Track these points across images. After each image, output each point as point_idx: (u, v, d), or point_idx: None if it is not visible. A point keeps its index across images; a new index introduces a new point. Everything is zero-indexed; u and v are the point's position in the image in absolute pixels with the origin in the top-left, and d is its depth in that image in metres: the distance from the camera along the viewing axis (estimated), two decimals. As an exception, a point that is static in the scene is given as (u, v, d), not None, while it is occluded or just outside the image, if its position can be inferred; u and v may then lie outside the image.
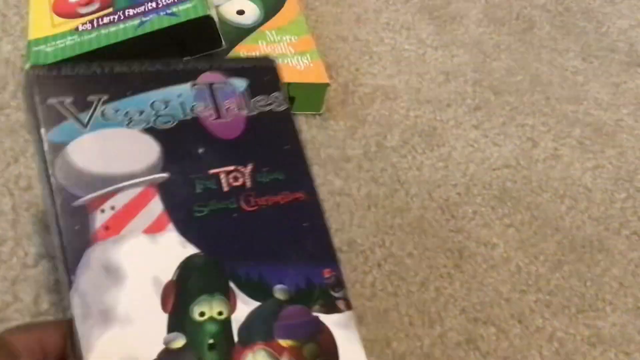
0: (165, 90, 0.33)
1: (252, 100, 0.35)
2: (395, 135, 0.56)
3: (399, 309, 0.44)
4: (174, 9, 0.50)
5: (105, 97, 0.32)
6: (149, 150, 0.32)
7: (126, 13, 0.51)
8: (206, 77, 0.34)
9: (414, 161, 0.54)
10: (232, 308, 0.30)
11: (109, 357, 0.28)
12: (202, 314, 0.30)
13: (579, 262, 0.50)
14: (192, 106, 0.34)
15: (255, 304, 0.31)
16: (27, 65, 0.49)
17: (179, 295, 0.29)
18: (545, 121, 0.62)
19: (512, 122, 0.61)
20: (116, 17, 0.50)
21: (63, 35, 0.50)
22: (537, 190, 0.55)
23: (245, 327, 0.30)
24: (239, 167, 0.33)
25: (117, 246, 0.29)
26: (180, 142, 0.33)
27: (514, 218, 0.52)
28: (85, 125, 0.31)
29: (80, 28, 0.50)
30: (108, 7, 0.52)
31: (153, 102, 0.33)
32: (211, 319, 0.30)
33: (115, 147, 0.31)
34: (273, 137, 0.35)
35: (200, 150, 0.33)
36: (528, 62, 0.68)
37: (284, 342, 0.31)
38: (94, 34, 0.49)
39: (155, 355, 0.28)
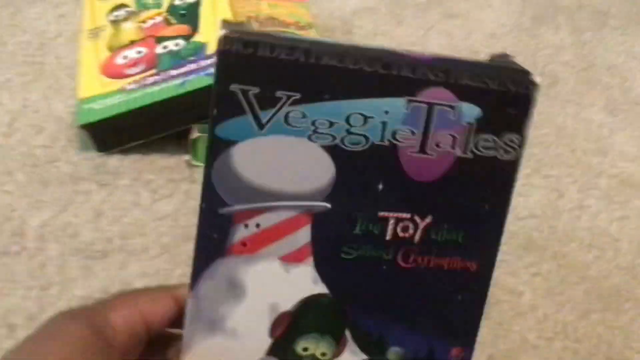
0: (372, 101, 0.26)
1: (476, 138, 0.27)
2: (423, 186, 0.58)
3: (427, 354, 0.45)
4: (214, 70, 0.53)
5: (296, 97, 0.26)
6: (321, 172, 0.27)
7: (169, 74, 0.54)
8: (431, 93, 0.26)
9: (441, 211, 0.56)
10: (337, 354, 0.29)
11: None
12: (305, 349, 0.29)
13: (606, 310, 0.51)
14: (395, 130, 0.26)
15: (362, 357, 0.29)
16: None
17: (290, 326, 0.28)
18: (570, 172, 0.63)
19: (538, 173, 0.62)
20: (160, 77, 0.54)
21: (111, 94, 0.54)
22: (563, 239, 0.56)
23: None
24: (415, 217, 0.28)
25: (249, 265, 0.28)
26: (361, 171, 0.27)
27: (541, 267, 0.53)
28: (262, 127, 0.26)
29: (127, 87, 0.54)
30: (153, 68, 0.56)
31: (350, 115, 0.26)
32: (312, 356, 0.29)
33: (286, 161, 0.27)
34: (476, 191, 0.28)
35: (380, 186, 0.27)
36: (553, 115, 0.70)
37: None
38: (139, 93, 0.53)
39: None
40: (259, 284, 0.28)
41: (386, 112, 0.26)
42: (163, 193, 0.53)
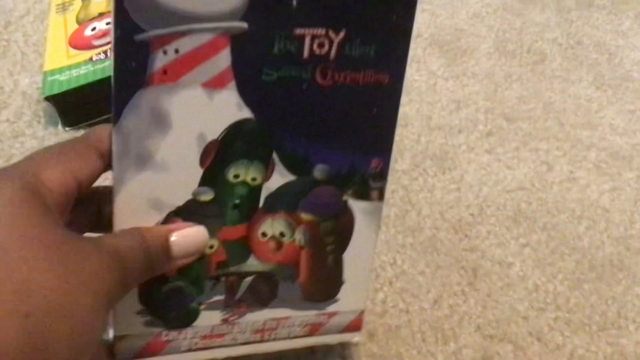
0: None
1: None
2: (407, 159, 0.56)
3: (411, 326, 0.43)
4: None
5: None
6: None
7: (139, 43, 0.52)
8: None
9: (425, 184, 0.54)
10: (266, 177, 0.30)
11: (138, 197, 0.28)
12: (236, 176, 0.30)
13: (599, 280, 0.48)
14: None
15: (291, 177, 0.30)
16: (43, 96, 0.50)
17: (219, 155, 0.29)
18: (559, 146, 0.61)
19: (526, 147, 0.60)
20: (129, 47, 0.52)
21: (77, 65, 0.51)
22: (553, 211, 0.54)
23: (273, 196, 0.30)
24: (330, 32, 0.28)
25: (171, 94, 0.27)
26: None
27: (530, 238, 0.51)
28: None
29: (95, 58, 0.52)
30: (122, 38, 0.53)
31: None
32: (243, 182, 0.30)
33: None
34: (383, 2, 0.29)
35: (294, 3, 0.27)
36: (540, 91, 0.68)
37: (305, 216, 0.31)
38: (107, 63, 0.51)
39: (181, 203, 0.29)
40: (184, 114, 0.28)
41: None
42: (134, 168, 0.50)
